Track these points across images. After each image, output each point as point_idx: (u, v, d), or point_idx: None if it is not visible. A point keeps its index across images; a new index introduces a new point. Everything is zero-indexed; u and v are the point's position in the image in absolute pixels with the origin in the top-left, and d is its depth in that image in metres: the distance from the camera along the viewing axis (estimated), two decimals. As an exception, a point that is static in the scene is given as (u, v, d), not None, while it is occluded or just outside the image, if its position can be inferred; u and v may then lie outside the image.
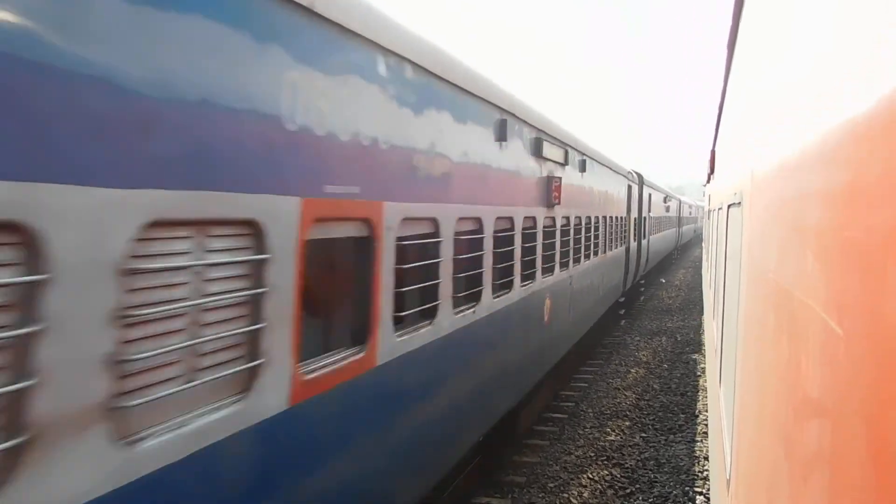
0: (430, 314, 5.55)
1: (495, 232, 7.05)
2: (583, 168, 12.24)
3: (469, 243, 6.42)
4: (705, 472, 9.81)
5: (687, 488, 9.32)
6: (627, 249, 20.34)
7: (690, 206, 65.12)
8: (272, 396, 3.40)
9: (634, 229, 22.20)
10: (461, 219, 6.05)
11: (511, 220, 7.59)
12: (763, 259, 2.13)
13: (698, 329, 21.31)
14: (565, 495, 8.95)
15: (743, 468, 2.50)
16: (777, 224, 1.80)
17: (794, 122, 1.55)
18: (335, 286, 4.70)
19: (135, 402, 2.57)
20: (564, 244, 10.94)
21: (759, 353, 2.09)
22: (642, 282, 29.37)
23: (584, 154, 12.27)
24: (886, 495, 0.73)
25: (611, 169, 16.31)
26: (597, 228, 14.33)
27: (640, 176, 23.41)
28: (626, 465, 10.06)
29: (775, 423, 1.59)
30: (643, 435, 11.49)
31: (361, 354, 4.30)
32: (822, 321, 1.09)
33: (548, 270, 9.86)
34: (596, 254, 14.49)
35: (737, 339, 3.28)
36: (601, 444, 10.94)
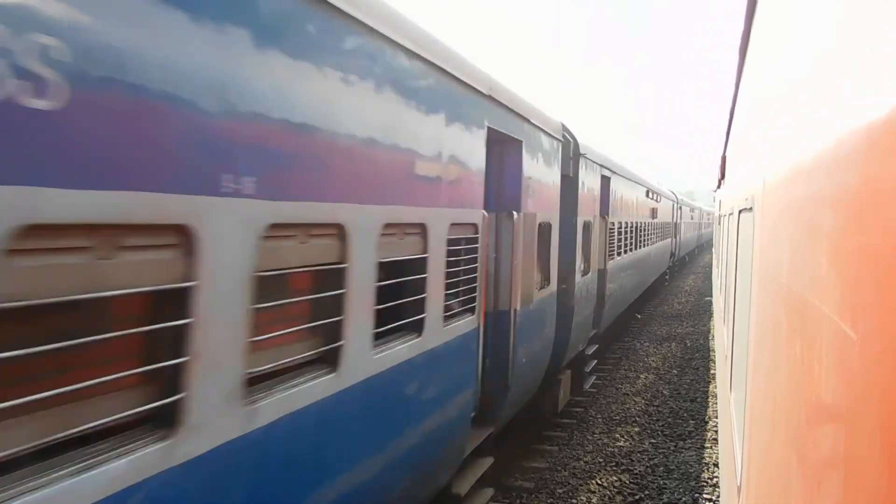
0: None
1: None
2: None
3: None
4: (715, 479, 9.75)
5: (696, 495, 9.26)
6: None
7: (673, 203, 33.45)
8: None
9: None
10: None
11: None
12: (775, 263, 2.12)
13: (708, 334, 21.20)
14: (574, 501, 8.92)
15: (754, 474, 2.48)
16: (790, 229, 1.79)
17: (808, 126, 1.55)
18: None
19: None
20: None
21: (771, 357, 2.07)
22: None
23: None
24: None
25: None
26: None
27: None
28: (635, 471, 10.01)
29: (787, 429, 1.58)
30: (652, 441, 11.43)
31: None
32: (836, 325, 1.09)
33: None
34: None
35: (748, 344, 3.26)
36: (610, 449, 10.90)
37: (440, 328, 5.43)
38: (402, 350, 4.79)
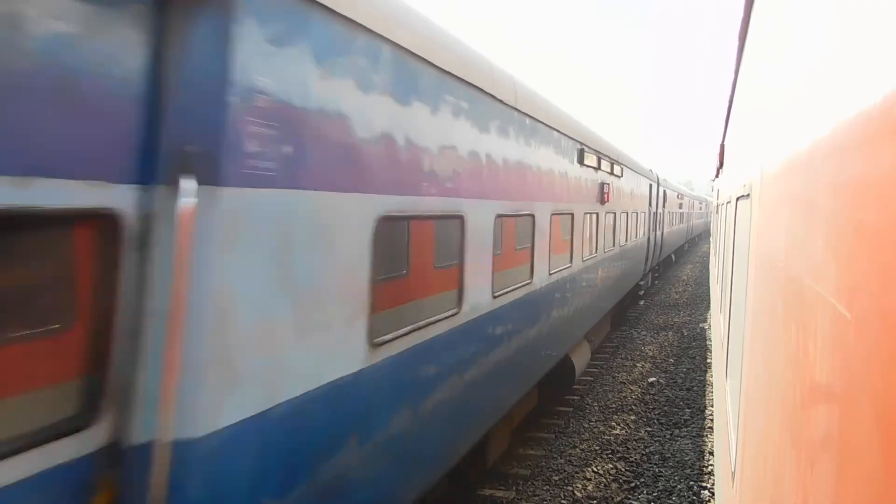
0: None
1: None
2: None
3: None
4: (710, 467, 9.81)
5: (692, 483, 9.32)
6: None
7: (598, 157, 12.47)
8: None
9: None
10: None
11: None
12: (772, 249, 2.13)
13: (705, 324, 21.26)
14: (570, 488, 8.97)
15: (748, 460, 2.50)
16: (787, 214, 1.79)
17: (806, 113, 1.55)
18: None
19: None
20: None
21: (766, 343, 2.08)
22: None
23: None
24: (895, 484, 0.73)
25: None
26: None
27: None
28: (631, 459, 10.07)
29: (782, 412, 1.59)
30: (648, 429, 11.49)
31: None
32: (831, 306, 1.09)
33: None
34: None
35: (744, 330, 3.27)
36: (606, 437, 10.95)
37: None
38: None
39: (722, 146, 10.78)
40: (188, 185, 2.73)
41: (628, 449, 10.48)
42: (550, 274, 9.01)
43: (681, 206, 38.02)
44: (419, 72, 4.77)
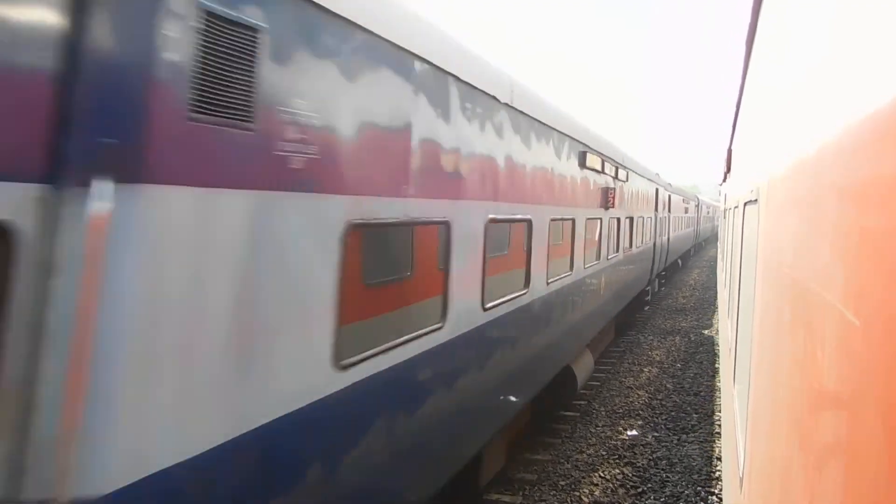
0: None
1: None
2: None
3: None
4: (718, 472, 9.76)
5: (699, 488, 9.27)
6: None
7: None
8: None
9: None
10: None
11: None
12: (779, 254, 2.12)
13: (712, 329, 21.18)
14: (576, 493, 8.94)
15: (756, 466, 2.49)
16: (794, 219, 1.79)
17: (813, 118, 1.55)
18: None
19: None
20: None
21: (774, 348, 2.08)
22: None
23: None
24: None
25: None
26: None
27: None
28: (638, 465, 10.03)
29: (789, 417, 1.58)
30: (655, 434, 11.44)
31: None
32: (839, 313, 1.09)
33: None
34: None
35: (752, 335, 3.26)
36: (613, 442, 10.92)
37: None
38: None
39: (729, 151, 10.74)
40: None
41: (635, 454, 10.44)
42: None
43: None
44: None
